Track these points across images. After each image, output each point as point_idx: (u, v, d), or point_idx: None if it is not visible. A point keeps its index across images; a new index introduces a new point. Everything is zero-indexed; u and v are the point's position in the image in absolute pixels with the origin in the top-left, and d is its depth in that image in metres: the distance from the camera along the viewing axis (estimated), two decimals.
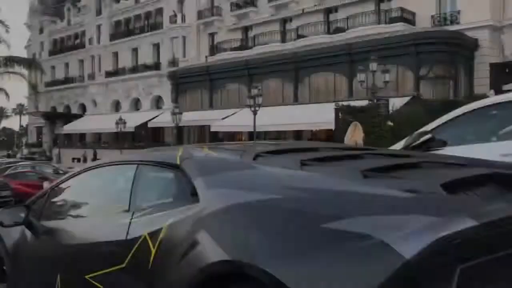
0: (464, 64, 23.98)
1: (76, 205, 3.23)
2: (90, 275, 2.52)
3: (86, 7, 48.25)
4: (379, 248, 1.39)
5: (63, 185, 3.37)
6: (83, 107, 48.83)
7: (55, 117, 48.46)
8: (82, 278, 2.57)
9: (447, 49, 22.86)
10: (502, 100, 4.09)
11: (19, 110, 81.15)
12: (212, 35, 37.56)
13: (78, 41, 50.22)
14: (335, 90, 26.12)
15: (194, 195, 2.16)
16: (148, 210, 2.41)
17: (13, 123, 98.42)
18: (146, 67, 41.37)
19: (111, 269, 2.39)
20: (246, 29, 34.83)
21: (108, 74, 44.88)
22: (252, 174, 2.12)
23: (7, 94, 31.35)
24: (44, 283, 2.97)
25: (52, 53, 52.42)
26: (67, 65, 51.02)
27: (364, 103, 19.64)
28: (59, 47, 52.39)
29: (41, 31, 53.76)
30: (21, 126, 78.14)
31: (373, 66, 20.01)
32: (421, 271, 1.34)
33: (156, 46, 41.69)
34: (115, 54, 45.40)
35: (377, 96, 20.50)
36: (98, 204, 3.02)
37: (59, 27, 52.42)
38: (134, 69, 42.72)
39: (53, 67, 51.45)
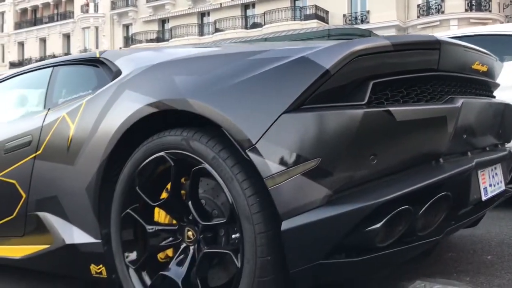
0: None
1: None
2: (1, 173, 2.39)
3: None
4: (300, 63, 1.47)
5: None
6: None
7: None
8: None
9: None
10: None
11: None
12: (127, 26, 36.55)
13: None
14: None
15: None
16: (65, 104, 2.34)
17: None
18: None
19: (25, 160, 2.28)
20: (163, 22, 34.30)
21: (13, 64, 41.98)
22: (174, 49, 2.17)
23: None
24: None
25: None
26: None
27: None
28: None
29: None
30: None
31: None
32: (338, 81, 1.45)
33: (67, 37, 39.78)
34: (21, 44, 42.65)
35: None
36: (10, 111, 2.87)
37: None
38: (42, 60, 40.40)
39: None
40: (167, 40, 32.15)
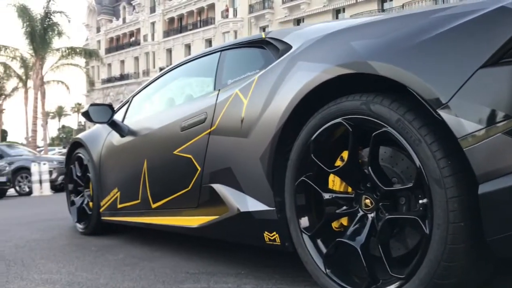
0: None
1: (161, 101, 3.35)
2: (179, 149, 2.60)
3: (141, 5, 49.69)
4: (498, 13, 1.36)
5: (145, 90, 3.51)
6: None
7: None
8: (170, 155, 2.66)
9: None
10: None
11: (77, 108, 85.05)
12: (263, 28, 37.73)
13: (133, 38, 51.81)
14: None
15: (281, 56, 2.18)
16: (235, 83, 2.46)
17: (71, 121, 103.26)
18: None
19: (200, 136, 2.45)
20: (298, 21, 34.76)
21: (162, 70, 45.90)
22: (345, 20, 2.14)
23: (67, 87, 32.65)
24: (131, 172, 3.09)
25: (108, 51, 54.27)
26: (122, 62, 52.74)
27: None
28: (115, 45, 54.22)
29: (98, 30, 55.86)
30: (79, 123, 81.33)
31: None
32: None
33: (209, 42, 42.37)
34: (169, 51, 46.56)
35: None
36: (183, 94, 3.13)
37: (115, 26, 54.25)
38: None
39: (109, 65, 53.29)
40: None
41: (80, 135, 4.05)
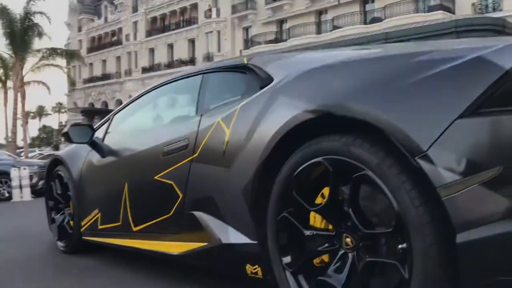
0: None
1: (142, 121, 3.32)
2: (160, 174, 2.58)
3: (123, 5, 49.18)
4: (476, 63, 1.38)
5: (126, 109, 3.48)
6: (120, 103, 49.69)
7: (93, 113, 49.42)
8: (151, 180, 2.64)
9: (492, 36, 22.24)
10: None
11: (58, 108, 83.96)
12: (246, 29, 37.68)
13: (115, 38, 51.21)
14: None
15: (264, 86, 2.18)
16: (217, 109, 2.45)
17: (52, 121, 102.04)
18: (182, 63, 41.85)
19: (181, 162, 2.43)
20: (281, 22, 34.79)
21: (144, 70, 45.65)
22: (327, 52, 2.15)
23: (48, 88, 32.22)
24: (111, 194, 3.06)
25: (90, 50, 53.56)
26: (104, 62, 52.09)
27: None
28: (97, 45, 53.55)
29: (79, 29, 55.11)
30: (60, 123, 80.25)
31: None
32: None
33: (192, 42, 42.12)
34: (151, 50, 46.12)
35: None
36: (165, 116, 3.10)
37: (97, 25, 53.57)
38: (170, 65, 43.31)
39: (90, 64, 52.60)
40: (285, 40, 32.53)
41: (60, 153, 4.00)
